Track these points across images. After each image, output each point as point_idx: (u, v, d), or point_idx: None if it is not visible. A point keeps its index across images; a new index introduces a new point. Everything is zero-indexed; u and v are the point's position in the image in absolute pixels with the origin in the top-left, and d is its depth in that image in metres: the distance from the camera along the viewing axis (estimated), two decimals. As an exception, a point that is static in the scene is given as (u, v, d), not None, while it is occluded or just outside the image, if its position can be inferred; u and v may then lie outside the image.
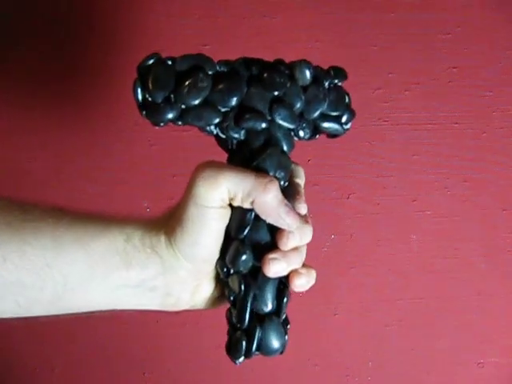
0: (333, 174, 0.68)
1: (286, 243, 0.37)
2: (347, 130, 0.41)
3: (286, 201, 0.36)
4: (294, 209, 0.37)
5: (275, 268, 0.36)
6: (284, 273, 0.37)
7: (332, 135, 0.41)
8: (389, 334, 0.70)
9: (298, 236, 0.37)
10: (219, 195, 0.36)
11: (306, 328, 0.68)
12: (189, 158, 0.67)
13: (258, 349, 0.37)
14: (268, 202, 0.36)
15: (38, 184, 0.65)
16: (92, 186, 0.66)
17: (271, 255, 0.37)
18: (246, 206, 0.36)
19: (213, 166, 0.37)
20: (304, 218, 0.38)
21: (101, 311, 0.40)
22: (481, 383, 0.70)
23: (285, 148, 0.38)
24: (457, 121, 0.69)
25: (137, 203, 0.67)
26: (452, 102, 0.69)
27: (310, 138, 0.40)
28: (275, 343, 0.37)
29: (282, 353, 0.38)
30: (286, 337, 0.38)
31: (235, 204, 0.36)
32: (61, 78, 0.66)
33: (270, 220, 0.36)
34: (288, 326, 0.39)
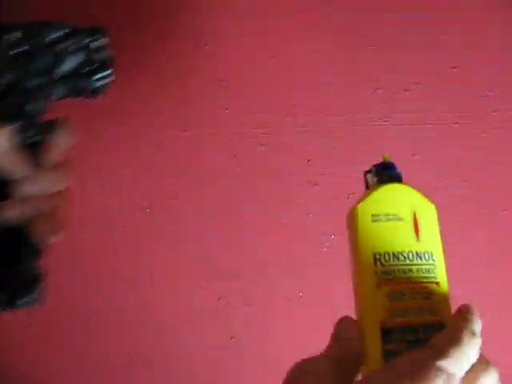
0: (333, 174, 0.68)
1: (17, 190, 0.38)
2: (102, 85, 0.41)
3: (15, 147, 0.37)
4: (22, 157, 0.37)
5: (5, 213, 0.37)
6: (17, 221, 0.38)
7: (88, 92, 0.42)
8: (389, 334, 0.70)
9: (31, 183, 0.38)
10: None
11: (306, 328, 0.68)
12: (189, 158, 0.68)
13: (6, 302, 0.39)
14: None
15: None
16: (92, 186, 0.66)
17: (2, 204, 0.37)
18: None
19: None
20: (48, 169, 0.39)
21: None
22: (481, 383, 0.70)
23: (29, 102, 0.39)
24: (457, 121, 0.69)
25: (137, 203, 0.67)
26: (452, 102, 0.69)
27: (64, 96, 0.41)
28: (20, 297, 0.39)
29: (33, 306, 0.40)
30: (36, 291, 0.40)
31: None
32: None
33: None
34: (39, 282, 0.41)
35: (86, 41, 0.40)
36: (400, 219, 0.37)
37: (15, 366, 0.67)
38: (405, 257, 0.36)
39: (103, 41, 0.41)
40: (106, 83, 0.41)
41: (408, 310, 0.35)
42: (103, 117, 0.66)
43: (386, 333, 0.34)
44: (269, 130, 0.67)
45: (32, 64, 0.38)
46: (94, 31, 0.41)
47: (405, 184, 0.38)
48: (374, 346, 0.34)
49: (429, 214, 0.38)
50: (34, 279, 0.40)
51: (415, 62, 0.69)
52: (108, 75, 0.41)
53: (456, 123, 0.69)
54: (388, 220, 0.36)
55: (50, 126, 0.40)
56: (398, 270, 0.35)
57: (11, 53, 0.38)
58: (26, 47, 0.38)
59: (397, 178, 0.39)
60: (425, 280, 0.35)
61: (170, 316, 0.66)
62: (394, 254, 0.36)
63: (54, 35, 0.39)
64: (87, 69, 0.40)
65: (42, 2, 0.66)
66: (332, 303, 0.69)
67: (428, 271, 0.36)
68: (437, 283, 0.35)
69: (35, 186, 0.38)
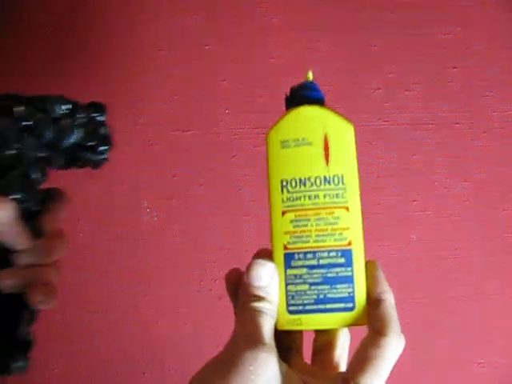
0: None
1: (18, 259, 0.39)
2: (104, 159, 0.44)
3: (17, 219, 0.38)
4: (23, 229, 0.39)
5: (5, 283, 0.39)
6: (16, 289, 0.39)
7: (91, 164, 0.44)
8: (389, 334, 0.70)
9: (31, 253, 0.39)
10: None
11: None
12: (189, 157, 0.68)
13: None
14: None
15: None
16: (92, 186, 0.66)
17: (3, 271, 0.39)
18: None
19: None
20: (48, 239, 0.40)
21: None
22: (481, 383, 0.70)
23: (31, 174, 0.40)
24: (457, 121, 0.69)
25: (137, 203, 0.67)
26: (452, 102, 0.69)
27: (65, 167, 0.43)
28: (10, 364, 0.40)
29: (22, 372, 0.40)
30: (26, 358, 0.41)
31: None
32: (57, 76, 0.66)
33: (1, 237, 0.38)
34: (30, 347, 0.42)
35: (89, 116, 0.43)
36: (309, 144, 0.35)
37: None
38: (312, 182, 0.35)
39: (104, 117, 0.44)
40: (107, 156, 0.44)
41: (311, 235, 0.34)
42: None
43: (288, 258, 0.35)
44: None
45: (37, 138, 0.40)
46: (96, 107, 0.43)
47: (321, 106, 0.36)
48: (279, 272, 0.34)
49: (343, 136, 0.35)
50: (28, 344, 0.42)
51: (415, 62, 0.69)
52: (109, 149, 0.44)
53: (456, 123, 0.69)
54: (297, 145, 0.35)
55: (48, 196, 0.42)
56: (304, 196, 0.35)
57: (18, 126, 0.40)
58: (31, 121, 0.40)
59: (313, 100, 0.37)
60: (332, 205, 0.35)
61: (169, 316, 0.66)
62: (300, 180, 0.35)
63: (58, 110, 0.41)
64: (90, 143, 0.43)
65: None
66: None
67: (337, 196, 0.35)
68: (346, 208, 0.35)
69: (35, 256, 0.40)
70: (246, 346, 0.31)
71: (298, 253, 0.34)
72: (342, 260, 0.34)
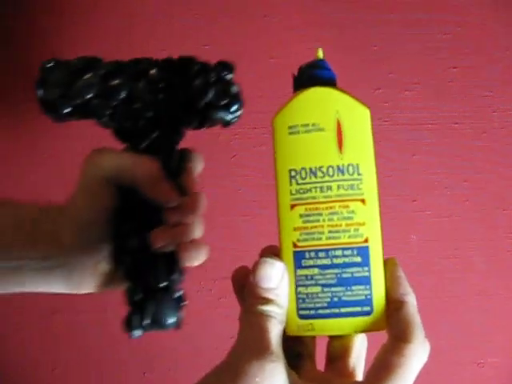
0: (333, 174, 0.68)
1: (168, 218, 0.40)
2: (236, 117, 0.44)
3: (163, 179, 0.40)
4: (172, 186, 0.40)
5: (159, 242, 0.40)
6: (170, 247, 0.40)
7: (223, 123, 0.45)
8: (389, 334, 0.70)
9: (179, 211, 0.40)
10: (102, 174, 0.39)
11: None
12: (189, 157, 0.68)
13: (151, 323, 0.41)
14: (145, 177, 0.39)
15: (39, 184, 0.65)
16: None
17: (155, 230, 0.40)
18: (129, 184, 0.39)
19: (98, 149, 0.41)
20: (192, 198, 0.41)
21: (8, 291, 0.42)
22: (481, 383, 0.70)
23: (170, 134, 0.42)
24: (457, 121, 0.69)
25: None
26: (452, 102, 0.69)
27: (199, 127, 0.44)
28: (168, 318, 0.41)
29: (177, 328, 0.41)
30: (180, 312, 0.42)
31: (120, 183, 0.39)
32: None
33: (150, 194, 0.39)
34: (183, 303, 0.43)
35: (218, 76, 0.44)
36: (320, 129, 0.31)
37: (15, 366, 0.67)
38: (324, 172, 0.31)
39: (232, 75, 0.45)
40: (240, 114, 0.45)
41: (323, 231, 0.31)
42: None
43: (298, 256, 0.31)
44: (269, 130, 0.67)
45: (172, 99, 0.42)
46: (224, 66, 0.44)
47: (333, 87, 0.33)
48: (289, 272, 0.31)
49: (358, 121, 0.32)
50: (181, 301, 0.43)
51: (415, 62, 0.69)
52: (241, 107, 0.45)
53: (456, 123, 0.69)
54: (307, 131, 0.32)
55: (184, 156, 0.44)
56: (315, 187, 0.31)
57: (154, 89, 0.42)
58: (166, 82, 0.42)
59: (324, 80, 0.33)
60: (346, 197, 0.31)
61: (169, 316, 0.66)
62: (311, 169, 0.31)
63: (192, 70, 0.42)
64: (223, 101, 0.43)
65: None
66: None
67: (351, 187, 0.31)
68: (362, 200, 0.32)
69: (182, 214, 0.41)
70: (251, 355, 0.28)
71: (309, 251, 0.31)
72: (358, 259, 0.31)
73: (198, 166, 0.45)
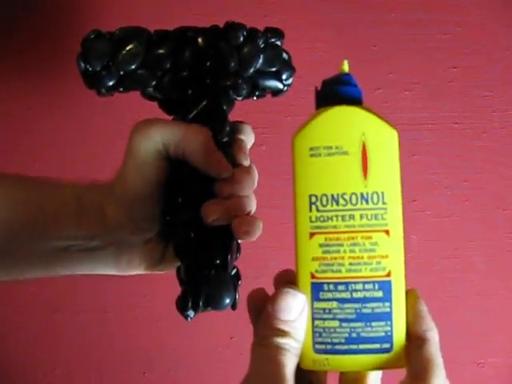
0: (333, 174, 0.68)
1: (221, 191, 0.38)
2: (288, 85, 0.42)
3: (216, 149, 0.38)
4: (224, 158, 0.38)
5: (212, 216, 0.37)
6: (223, 221, 0.38)
7: (274, 92, 0.43)
8: (389, 334, 0.70)
9: (232, 183, 0.38)
10: (153, 146, 0.37)
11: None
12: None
13: (206, 303, 0.37)
14: (197, 148, 0.37)
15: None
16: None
17: (208, 203, 0.37)
18: (180, 155, 0.37)
19: (146, 120, 0.38)
20: (245, 169, 0.39)
21: (60, 273, 0.41)
22: (481, 383, 0.70)
23: (221, 103, 0.40)
24: (457, 121, 0.69)
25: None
26: (452, 102, 0.69)
27: (249, 96, 0.42)
28: (223, 297, 0.37)
29: (233, 308, 0.38)
30: (236, 292, 0.39)
31: (171, 155, 0.37)
32: (55, 75, 0.66)
33: (201, 167, 0.37)
34: (239, 282, 0.40)
35: (268, 42, 0.42)
36: (344, 153, 0.29)
37: (15, 366, 0.67)
38: (346, 200, 0.29)
39: (281, 41, 0.42)
40: (291, 83, 0.42)
41: (344, 263, 0.29)
42: (103, 115, 0.66)
43: (316, 288, 0.29)
44: (269, 130, 0.67)
45: (222, 67, 0.40)
46: (273, 32, 0.42)
47: (359, 106, 0.30)
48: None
49: (385, 144, 0.30)
50: (237, 279, 0.40)
51: (415, 62, 0.69)
52: (292, 74, 0.42)
53: (456, 123, 0.69)
54: (329, 154, 0.29)
55: (234, 128, 0.41)
56: (337, 216, 0.29)
57: (201, 56, 0.40)
58: (214, 50, 0.40)
59: (349, 98, 0.31)
60: (370, 228, 0.29)
61: (169, 316, 0.66)
62: (333, 196, 0.29)
63: (239, 37, 0.40)
64: (273, 68, 0.41)
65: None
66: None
67: (375, 217, 0.29)
68: (386, 231, 0.30)
69: (234, 186, 0.38)
70: None
71: (328, 283, 0.29)
72: (380, 294, 0.29)
73: (249, 139, 0.42)
